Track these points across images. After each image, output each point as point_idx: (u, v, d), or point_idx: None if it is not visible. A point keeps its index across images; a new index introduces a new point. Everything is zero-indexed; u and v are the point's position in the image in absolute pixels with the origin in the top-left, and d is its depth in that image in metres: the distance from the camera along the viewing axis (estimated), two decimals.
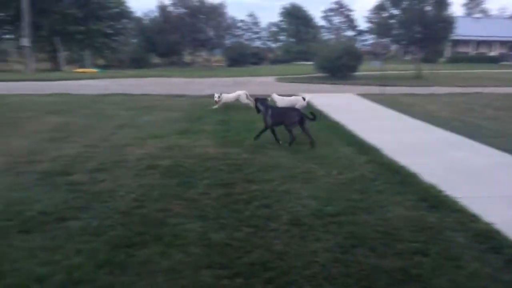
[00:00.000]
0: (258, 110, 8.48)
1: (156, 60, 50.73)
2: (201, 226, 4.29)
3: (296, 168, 6.40)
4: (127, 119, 10.94)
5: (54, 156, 6.97)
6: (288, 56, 57.83)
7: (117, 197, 5.10)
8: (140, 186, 5.52)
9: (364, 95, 16.36)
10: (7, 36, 42.70)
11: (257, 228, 4.25)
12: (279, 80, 26.07)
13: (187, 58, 53.76)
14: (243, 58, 48.05)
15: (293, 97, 11.84)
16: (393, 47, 57.03)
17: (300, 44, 58.52)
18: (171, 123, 10.15)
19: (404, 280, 3.30)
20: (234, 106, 13.46)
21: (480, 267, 3.46)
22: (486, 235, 4.02)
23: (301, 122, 7.96)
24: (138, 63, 42.92)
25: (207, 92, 18.17)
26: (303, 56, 53.18)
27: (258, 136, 8.29)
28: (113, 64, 44.03)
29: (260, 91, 18.66)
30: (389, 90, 17.82)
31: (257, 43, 66.15)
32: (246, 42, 58.61)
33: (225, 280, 3.27)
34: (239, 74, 31.63)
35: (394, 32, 28.53)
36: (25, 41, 31.95)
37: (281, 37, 66.80)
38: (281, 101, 11.20)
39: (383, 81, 17.69)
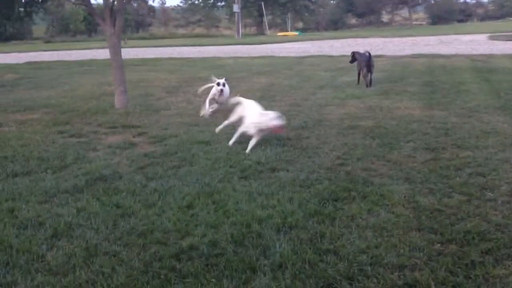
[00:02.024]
0: (354, 60, 10.55)
1: (352, 20, 49.97)
2: (408, 188, 4.19)
3: None
4: (326, 80, 11.18)
5: None
6: (502, 11, 50.54)
7: (321, 153, 5.31)
8: (342, 144, 5.64)
9: None
10: (219, 4, 47.17)
11: (471, 196, 3.95)
12: (492, 38, 23.12)
13: (386, 17, 51.52)
14: (448, 15, 43.93)
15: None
16: None
17: None
18: (371, 83, 9.97)
19: None
20: (444, 67, 12.53)
21: None
22: None
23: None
24: (335, 25, 42.99)
25: (408, 52, 17.27)
26: None
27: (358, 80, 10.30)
28: (311, 26, 45.00)
29: (468, 51, 16.92)
30: None
31: None
32: None
33: (438, 245, 3.16)
34: (443, 32, 29.09)
35: None
36: (236, 7, 34.81)
37: None
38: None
39: None
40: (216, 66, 14.93)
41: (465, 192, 4.05)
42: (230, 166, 4.88)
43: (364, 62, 9.93)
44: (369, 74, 9.86)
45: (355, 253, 3.06)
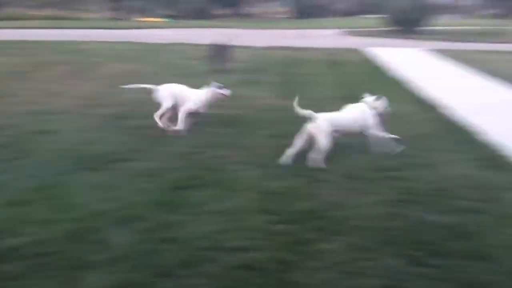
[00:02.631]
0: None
1: (218, 11, 50.46)
2: (259, 174, 4.35)
3: None
4: (188, 68, 11.08)
5: (118, 101, 7.21)
6: (357, 9, 55.35)
7: (175, 142, 5.24)
8: (199, 132, 5.63)
9: (436, 51, 15.49)
10: None
11: (313, 178, 4.25)
12: (346, 33, 25.19)
13: (251, 9, 53.02)
14: (310, 10, 46.69)
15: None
16: (471, 1, 52.90)
17: None
18: (230, 73, 10.16)
19: (454, 236, 3.23)
20: (299, 59, 13.25)
21: None
22: None
23: None
24: (201, 14, 42.94)
25: (269, 44, 17.97)
26: (372, 8, 50.80)
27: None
28: (180, 14, 44.38)
29: (323, 44, 18.17)
30: (464, 46, 16.72)
31: None
32: None
33: (279, 225, 3.33)
34: (304, 26, 30.90)
35: None
36: None
37: None
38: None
39: (458, 36, 16.58)
40: (73, 51, 13.91)
41: (308, 174, 4.33)
42: (75, 158, 4.56)
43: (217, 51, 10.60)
44: (223, 61, 10.41)
45: (198, 239, 3.08)
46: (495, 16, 25.10)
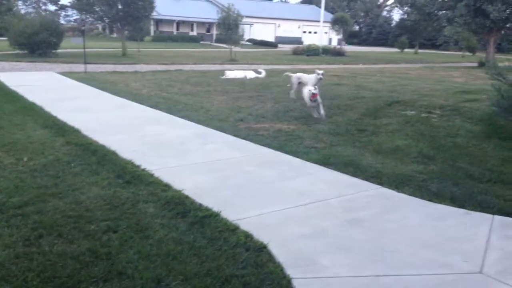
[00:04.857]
0: None
1: None
2: None
3: None
4: None
5: None
6: None
7: None
8: None
9: (66, 74, 15.47)
10: None
11: None
12: None
13: None
14: None
15: None
16: (100, 24, 55.67)
17: None
18: None
19: (91, 261, 3.18)
20: None
21: (167, 233, 3.65)
22: (175, 202, 4.28)
23: None
24: None
25: None
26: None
27: None
28: None
29: None
30: (93, 68, 17.34)
31: None
32: None
33: None
34: None
35: (96, 8, 27.54)
36: None
37: None
38: None
39: (87, 59, 17.05)
40: None
41: None
42: None
43: None
44: None
45: None
46: (121, 39, 27.25)
